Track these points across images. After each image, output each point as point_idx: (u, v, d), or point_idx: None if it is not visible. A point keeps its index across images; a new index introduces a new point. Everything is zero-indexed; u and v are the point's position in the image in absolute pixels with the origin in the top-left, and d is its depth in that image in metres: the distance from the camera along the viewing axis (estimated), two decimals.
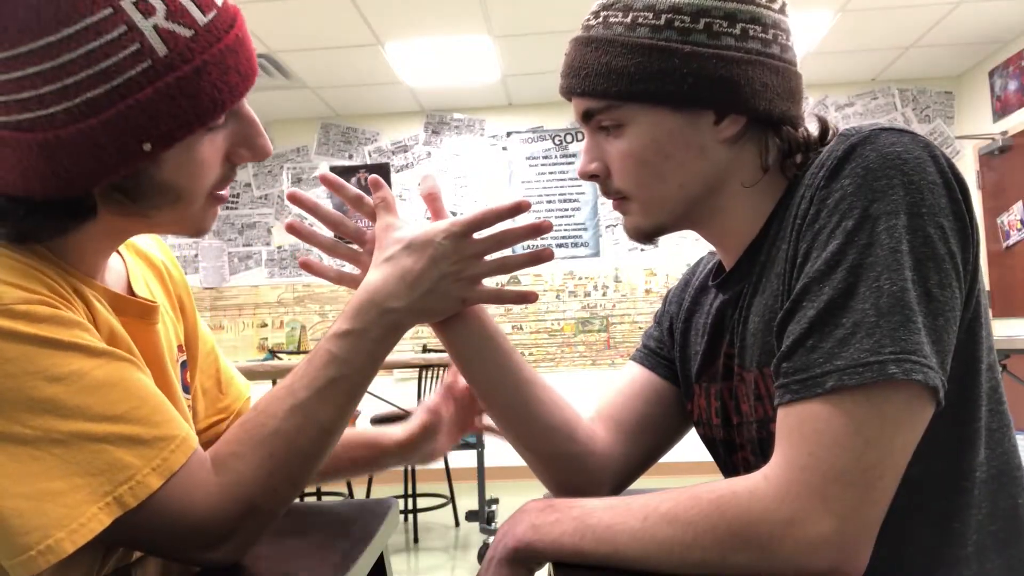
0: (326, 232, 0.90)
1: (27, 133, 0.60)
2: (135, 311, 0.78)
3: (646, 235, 0.81)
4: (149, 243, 0.92)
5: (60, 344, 0.61)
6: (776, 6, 0.76)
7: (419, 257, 0.76)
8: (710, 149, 0.75)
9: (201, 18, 0.62)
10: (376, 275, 0.77)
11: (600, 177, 0.80)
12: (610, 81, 0.74)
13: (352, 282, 0.86)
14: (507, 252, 0.83)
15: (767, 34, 0.74)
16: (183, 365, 0.90)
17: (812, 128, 0.78)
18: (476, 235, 0.78)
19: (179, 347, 0.89)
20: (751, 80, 0.73)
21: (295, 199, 0.82)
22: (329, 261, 0.93)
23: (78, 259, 0.71)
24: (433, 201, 0.85)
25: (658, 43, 0.73)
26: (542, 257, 0.81)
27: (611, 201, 0.83)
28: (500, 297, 0.83)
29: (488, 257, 0.80)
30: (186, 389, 0.89)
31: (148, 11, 0.60)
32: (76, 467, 0.59)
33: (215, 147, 0.68)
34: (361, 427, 1.06)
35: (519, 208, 0.79)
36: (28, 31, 0.58)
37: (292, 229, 0.85)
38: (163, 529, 0.63)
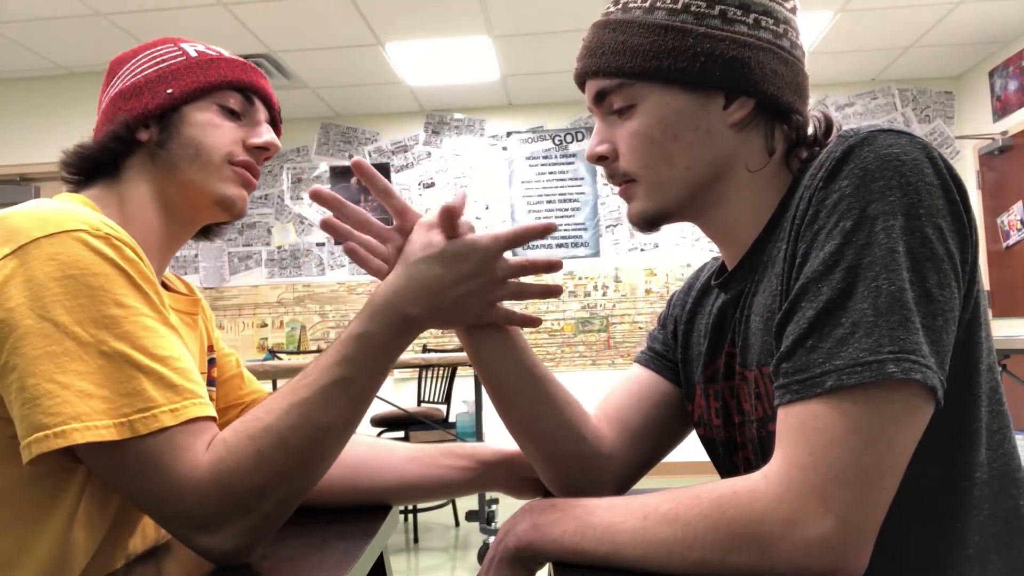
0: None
1: (111, 95, 0.91)
2: (180, 304, 0.92)
3: (650, 221, 0.81)
4: (174, 279, 1.01)
5: (135, 284, 0.72)
6: (788, 5, 0.79)
7: (449, 269, 0.75)
8: (718, 133, 0.76)
9: (224, 52, 0.94)
10: (401, 277, 0.76)
11: (608, 159, 0.80)
12: (624, 58, 0.76)
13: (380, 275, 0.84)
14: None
15: (778, 27, 0.77)
16: (211, 362, 0.99)
17: (817, 126, 0.79)
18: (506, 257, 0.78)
19: (209, 346, 0.99)
20: (761, 64, 0.75)
21: (318, 197, 0.80)
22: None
23: (146, 248, 0.81)
24: (450, 218, 0.76)
25: (673, 24, 0.75)
26: (554, 292, 0.82)
27: (617, 190, 0.83)
28: (509, 319, 0.82)
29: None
30: (212, 383, 0.97)
31: (192, 46, 0.93)
32: (109, 381, 0.66)
33: (230, 127, 0.91)
34: (365, 430, 1.05)
35: (548, 229, 0.77)
36: (138, 62, 0.92)
37: (328, 227, 0.81)
38: (146, 475, 0.66)
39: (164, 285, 0.94)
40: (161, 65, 0.90)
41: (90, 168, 0.89)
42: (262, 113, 0.94)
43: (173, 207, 0.90)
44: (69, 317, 0.67)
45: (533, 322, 0.83)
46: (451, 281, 0.75)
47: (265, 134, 0.93)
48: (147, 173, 0.88)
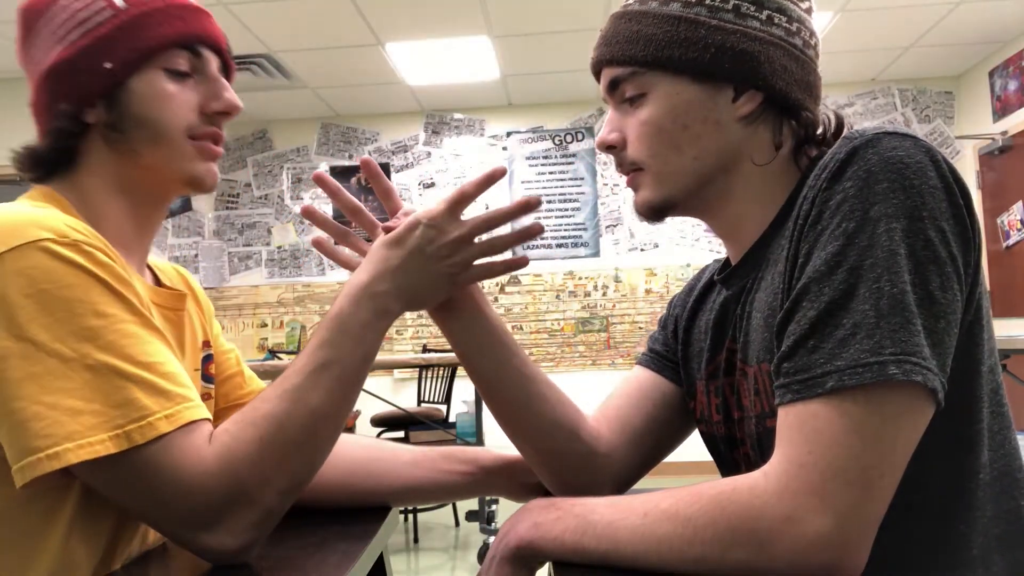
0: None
1: (41, 70, 0.81)
2: (165, 299, 0.87)
3: (656, 210, 0.81)
4: (169, 268, 0.99)
5: (111, 289, 0.69)
6: (804, 5, 0.80)
7: (402, 245, 0.78)
8: (727, 125, 0.77)
9: None
10: (367, 262, 0.80)
11: (617, 148, 0.82)
12: (637, 47, 0.78)
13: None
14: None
15: (791, 25, 0.78)
16: (207, 358, 0.95)
17: (827, 125, 0.79)
18: (464, 217, 0.80)
19: (204, 342, 0.96)
20: (771, 59, 0.76)
21: (320, 180, 0.87)
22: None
23: (117, 240, 0.78)
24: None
25: (687, 15, 0.76)
26: (532, 232, 0.81)
27: (624, 181, 0.84)
28: (491, 271, 0.83)
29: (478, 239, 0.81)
30: (209, 379, 0.95)
31: None
32: (98, 394, 0.64)
33: (183, 93, 0.81)
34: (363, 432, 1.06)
35: (494, 176, 0.80)
36: (57, 16, 0.80)
37: (308, 213, 0.88)
38: (152, 482, 0.65)
39: (156, 279, 0.91)
40: (87, 25, 0.78)
41: (45, 166, 0.82)
42: (213, 63, 0.84)
43: (140, 191, 0.83)
44: (48, 334, 0.64)
45: (518, 263, 0.84)
46: (408, 252, 0.78)
47: (224, 95, 0.83)
48: (106, 161, 0.81)
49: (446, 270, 0.79)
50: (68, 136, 0.80)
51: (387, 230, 0.81)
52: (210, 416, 0.71)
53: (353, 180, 5.37)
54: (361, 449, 0.95)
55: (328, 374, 0.72)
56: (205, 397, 0.93)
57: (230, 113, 0.84)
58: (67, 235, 0.68)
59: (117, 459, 0.64)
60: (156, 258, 0.96)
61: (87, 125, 0.80)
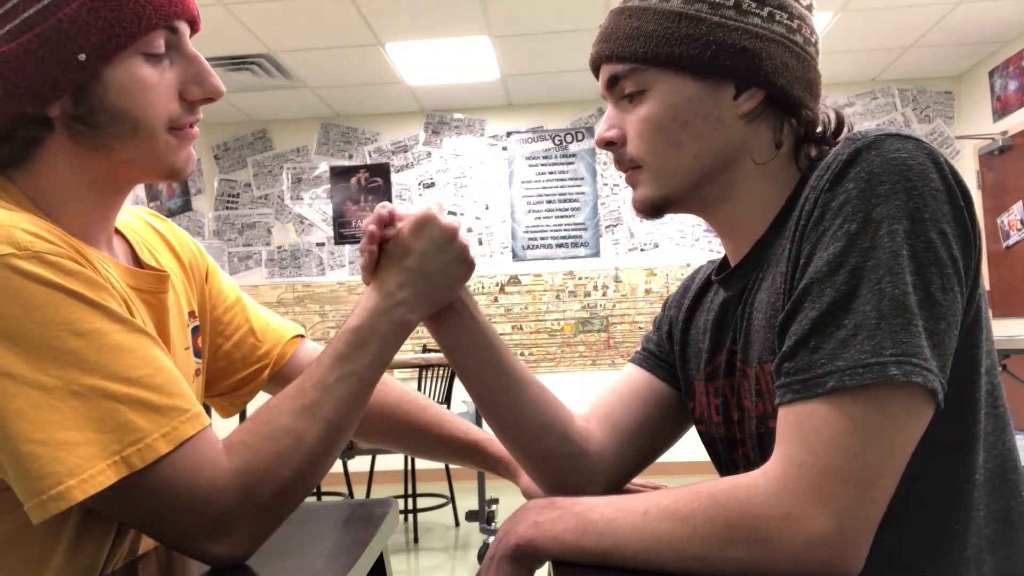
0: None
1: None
2: (146, 282, 0.80)
3: (655, 206, 0.81)
4: (145, 215, 0.93)
5: (86, 300, 0.64)
6: (804, 2, 0.79)
7: (410, 255, 0.79)
8: (727, 123, 0.77)
9: None
10: (377, 278, 0.80)
11: (616, 145, 0.81)
12: (637, 43, 0.77)
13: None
14: None
15: (792, 22, 0.77)
16: (195, 330, 0.91)
17: (826, 124, 0.79)
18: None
19: (190, 313, 0.91)
20: (772, 56, 0.75)
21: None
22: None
23: (80, 228, 0.74)
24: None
25: (688, 12, 0.76)
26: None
27: (624, 178, 0.84)
28: (467, 251, 0.84)
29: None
30: (197, 354, 0.91)
31: None
32: (90, 422, 0.61)
33: (163, 78, 0.73)
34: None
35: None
36: None
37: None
38: (167, 500, 0.63)
39: (133, 255, 0.85)
40: (44, 1, 0.66)
41: None
42: (187, 36, 0.75)
43: (107, 181, 0.75)
44: (25, 364, 0.60)
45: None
46: (421, 252, 0.79)
47: (207, 80, 0.75)
48: (70, 153, 0.72)
49: (460, 256, 0.81)
50: (25, 133, 0.70)
51: (385, 240, 0.81)
52: (209, 422, 0.69)
53: (353, 180, 5.37)
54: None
55: (345, 387, 0.72)
56: (197, 373, 0.91)
57: (213, 99, 0.76)
58: (28, 246, 0.62)
59: (121, 486, 0.61)
60: (123, 215, 0.87)
61: (48, 118, 0.70)
